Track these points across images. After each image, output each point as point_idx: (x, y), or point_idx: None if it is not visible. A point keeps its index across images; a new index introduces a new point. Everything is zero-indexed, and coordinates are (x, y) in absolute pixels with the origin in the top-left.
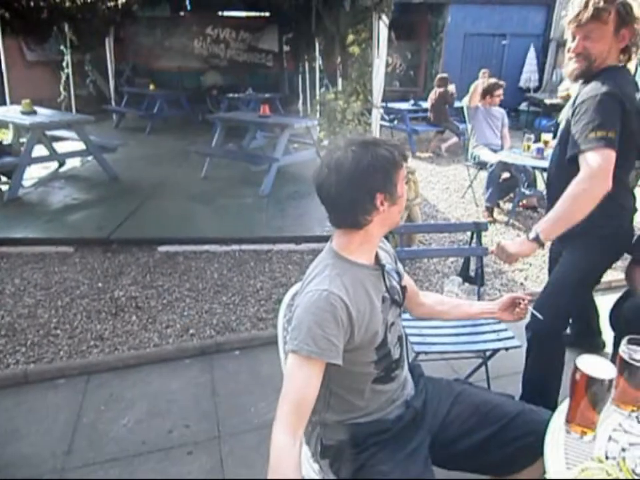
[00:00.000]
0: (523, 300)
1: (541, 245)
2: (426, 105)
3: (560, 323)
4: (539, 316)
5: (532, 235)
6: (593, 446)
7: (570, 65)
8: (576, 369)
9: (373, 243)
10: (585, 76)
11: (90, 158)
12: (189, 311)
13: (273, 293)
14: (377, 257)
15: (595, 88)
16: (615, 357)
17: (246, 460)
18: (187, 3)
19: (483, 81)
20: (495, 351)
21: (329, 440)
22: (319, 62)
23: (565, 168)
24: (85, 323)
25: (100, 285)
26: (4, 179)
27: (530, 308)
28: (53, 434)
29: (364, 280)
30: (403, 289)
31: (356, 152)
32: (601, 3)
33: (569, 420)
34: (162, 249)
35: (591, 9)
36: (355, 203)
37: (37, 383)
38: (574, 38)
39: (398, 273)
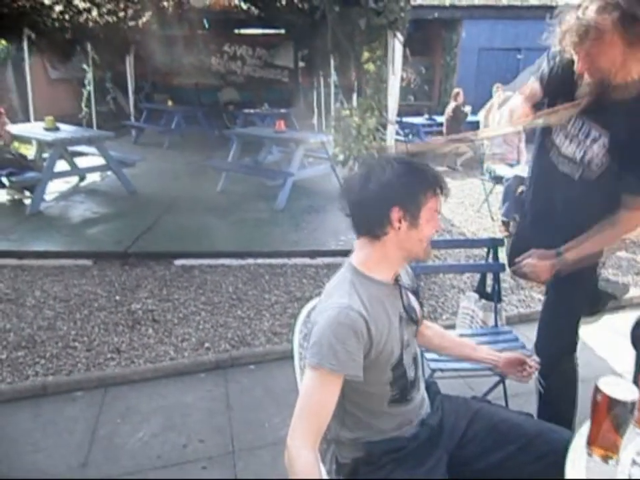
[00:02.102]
0: (530, 367)
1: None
2: (440, 119)
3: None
4: (542, 383)
5: (559, 258)
6: (615, 470)
7: (583, 88)
8: (597, 390)
9: (391, 262)
10: (606, 91)
11: (109, 173)
12: (205, 324)
13: (287, 307)
14: (396, 275)
15: None
16: (637, 378)
17: (260, 476)
18: (205, 21)
19: (498, 98)
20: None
21: (344, 458)
22: (333, 78)
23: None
24: (103, 336)
25: (117, 297)
26: (27, 193)
27: (536, 374)
28: (69, 446)
29: (382, 297)
30: (420, 305)
31: (391, 164)
32: (598, 19)
33: (591, 442)
34: (178, 262)
35: (587, 29)
36: (371, 210)
37: (55, 395)
38: (576, 57)
39: (415, 293)
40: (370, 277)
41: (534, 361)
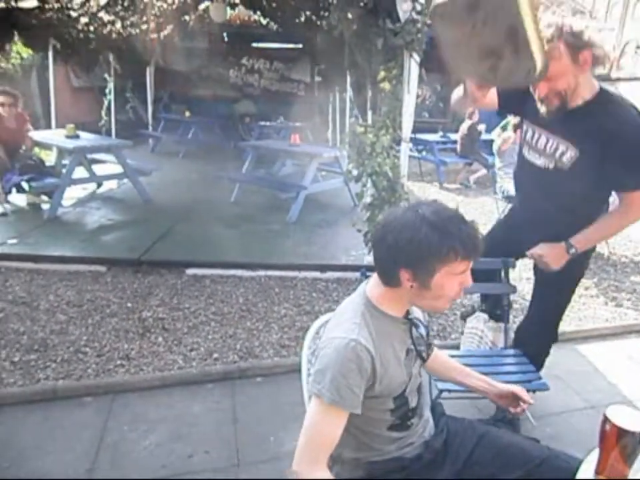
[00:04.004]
0: (524, 402)
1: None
2: (455, 136)
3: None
4: (532, 421)
5: (571, 250)
6: None
7: (543, 107)
8: (606, 419)
9: (404, 304)
10: (565, 109)
11: (126, 180)
12: (214, 334)
13: (296, 321)
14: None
15: (628, 118)
16: None
17: None
18: (224, 35)
19: (514, 118)
20: None
21: (346, 477)
22: (349, 93)
23: (581, 193)
24: (113, 342)
25: (129, 304)
26: (45, 198)
27: (527, 413)
28: (76, 451)
29: (391, 333)
30: (428, 341)
31: (411, 220)
32: (547, 44)
33: (599, 472)
34: (190, 271)
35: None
36: (385, 265)
37: (64, 400)
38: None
39: (426, 326)
40: (381, 311)
41: (527, 397)
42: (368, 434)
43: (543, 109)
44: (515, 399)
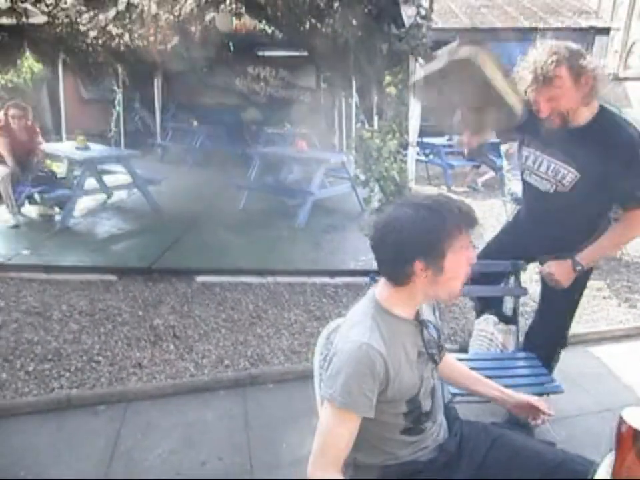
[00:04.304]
0: (544, 414)
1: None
2: None
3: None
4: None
5: (578, 267)
6: None
7: (547, 122)
8: (622, 421)
9: (415, 302)
10: (567, 128)
11: (135, 190)
12: (225, 341)
13: (306, 327)
14: (417, 310)
15: (626, 139)
16: None
17: None
18: (230, 44)
19: None
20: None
21: None
22: (355, 99)
23: (581, 204)
24: (126, 351)
25: (140, 313)
26: (57, 209)
27: (548, 425)
28: (91, 460)
29: (402, 335)
30: (440, 343)
31: (405, 213)
32: (551, 69)
33: (615, 474)
34: (200, 279)
35: (541, 78)
36: (394, 263)
37: (78, 408)
38: (535, 102)
39: (437, 328)
40: (392, 314)
41: (546, 408)
42: (381, 438)
43: (545, 127)
44: (533, 408)
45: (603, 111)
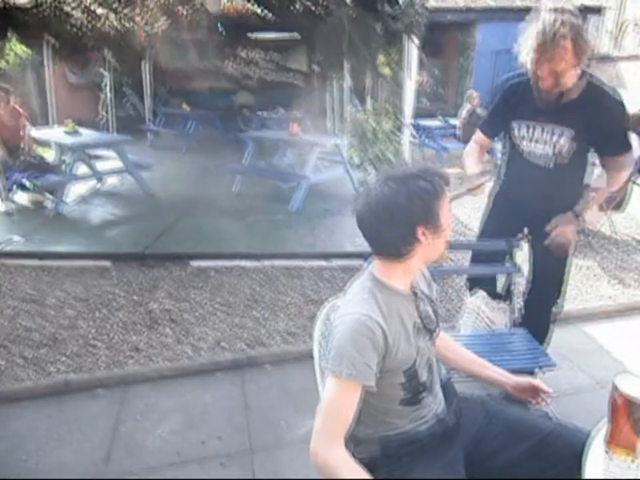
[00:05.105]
0: (544, 393)
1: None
2: (455, 122)
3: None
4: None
5: (579, 217)
6: (636, 473)
7: (542, 92)
8: (615, 389)
9: (412, 273)
10: (559, 92)
11: (128, 176)
12: (221, 324)
13: (303, 309)
14: (413, 282)
15: (613, 103)
16: None
17: (278, 475)
18: (220, 26)
19: None
20: (528, 370)
21: (361, 454)
22: (347, 81)
23: (576, 162)
24: (122, 335)
25: (135, 297)
26: (48, 195)
27: (547, 404)
28: (92, 442)
29: (399, 306)
30: (436, 316)
31: (392, 187)
32: (560, 29)
33: (609, 442)
34: (195, 263)
35: (551, 35)
36: (396, 237)
37: (77, 392)
38: (535, 62)
39: (432, 300)
40: (389, 286)
41: (546, 388)
42: (380, 409)
43: (541, 100)
44: (533, 390)
45: (588, 79)
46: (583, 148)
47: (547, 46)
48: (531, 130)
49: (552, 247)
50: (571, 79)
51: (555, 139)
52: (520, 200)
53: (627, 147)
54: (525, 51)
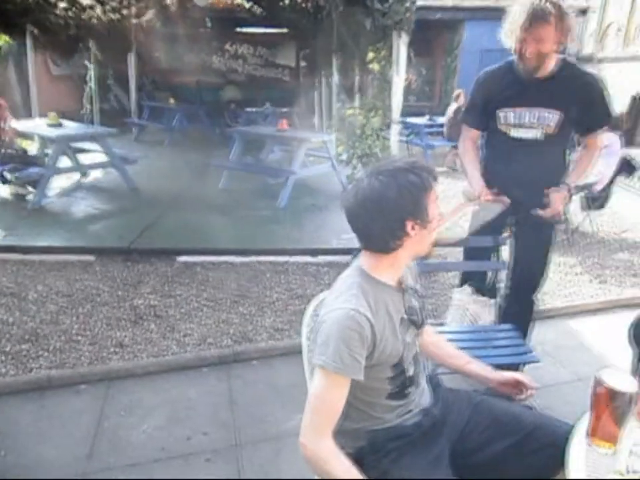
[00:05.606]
0: (527, 389)
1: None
2: (441, 120)
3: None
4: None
5: (573, 191)
6: (614, 460)
7: (521, 64)
8: (598, 382)
9: (400, 266)
10: (538, 71)
11: (111, 169)
12: (207, 320)
13: (289, 305)
14: (400, 276)
15: (592, 78)
16: (636, 373)
17: (264, 468)
18: (207, 19)
19: None
20: (513, 365)
21: (349, 448)
22: (335, 78)
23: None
24: (106, 330)
25: (120, 293)
26: (30, 188)
27: (531, 399)
28: (74, 438)
29: (386, 300)
30: (422, 310)
31: (382, 181)
32: (547, 6)
33: (591, 434)
34: (180, 259)
35: (538, 12)
36: (385, 231)
37: (59, 388)
38: (521, 41)
39: (419, 294)
40: (377, 280)
41: (531, 384)
42: (368, 403)
43: (521, 65)
44: (517, 385)
45: (565, 60)
46: (567, 126)
47: (533, 23)
48: (517, 116)
49: (543, 215)
50: (553, 58)
51: (542, 120)
52: (505, 177)
53: (609, 117)
54: (511, 30)
